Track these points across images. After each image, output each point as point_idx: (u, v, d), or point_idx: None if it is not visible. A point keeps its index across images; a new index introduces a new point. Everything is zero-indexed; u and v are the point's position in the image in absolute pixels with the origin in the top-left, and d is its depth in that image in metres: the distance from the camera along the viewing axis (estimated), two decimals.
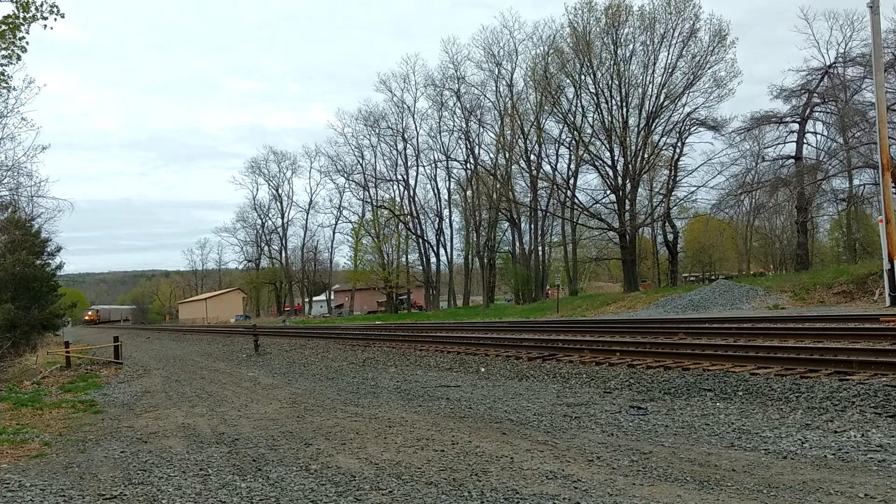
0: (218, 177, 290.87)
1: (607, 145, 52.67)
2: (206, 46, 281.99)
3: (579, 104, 54.15)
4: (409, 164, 75.03)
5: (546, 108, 57.17)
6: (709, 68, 48.40)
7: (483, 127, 66.30)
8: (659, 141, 52.71)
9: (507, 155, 63.32)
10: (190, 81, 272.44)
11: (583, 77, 52.39)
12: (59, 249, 36.16)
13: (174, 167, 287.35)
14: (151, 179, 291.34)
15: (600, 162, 53.82)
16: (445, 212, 74.58)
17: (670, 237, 55.69)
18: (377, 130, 74.76)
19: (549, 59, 55.35)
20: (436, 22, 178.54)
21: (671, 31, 48.65)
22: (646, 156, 52.25)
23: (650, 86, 50.41)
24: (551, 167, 61.52)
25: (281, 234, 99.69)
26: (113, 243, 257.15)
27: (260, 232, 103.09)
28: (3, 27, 12.19)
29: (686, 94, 49.75)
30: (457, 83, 65.39)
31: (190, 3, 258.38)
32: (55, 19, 12.48)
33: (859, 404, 7.48)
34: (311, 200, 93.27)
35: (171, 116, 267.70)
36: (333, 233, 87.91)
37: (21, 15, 12.11)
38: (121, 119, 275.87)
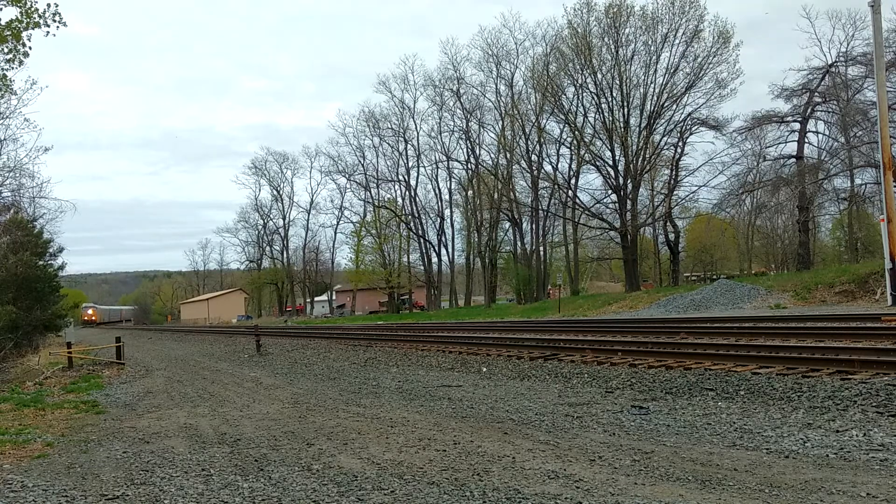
0: (229, 176, 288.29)
1: (608, 145, 52.61)
2: (222, 45, 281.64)
3: (580, 104, 54.13)
4: (409, 164, 75.12)
5: (547, 108, 57.11)
6: (711, 69, 48.39)
7: (483, 127, 66.36)
8: (660, 140, 52.66)
9: (508, 155, 63.30)
10: (205, 80, 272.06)
11: (583, 77, 52.38)
12: (61, 250, 36.30)
13: (186, 167, 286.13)
14: (162, 179, 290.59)
15: (601, 162, 53.79)
16: (447, 212, 74.69)
17: (672, 237, 55.66)
18: (378, 131, 74.85)
19: (550, 58, 55.35)
20: (453, 20, 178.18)
21: (674, 31, 48.60)
22: (647, 155, 52.18)
23: (652, 86, 50.38)
24: (552, 167, 61.56)
25: (282, 234, 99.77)
26: (119, 243, 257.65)
27: (261, 232, 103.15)
28: (7, 32, 12.28)
29: (687, 95, 49.75)
30: (456, 84, 65.43)
31: (210, 0, 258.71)
32: (57, 27, 12.58)
33: (861, 403, 7.47)
34: (312, 201, 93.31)
35: (185, 115, 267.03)
36: (335, 233, 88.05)
37: (24, 21, 12.20)
38: (135, 118, 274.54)
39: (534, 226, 63.83)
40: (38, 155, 29.01)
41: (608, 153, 52.76)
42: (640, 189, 53.83)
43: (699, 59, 48.44)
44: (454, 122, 68.26)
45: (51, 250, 35.03)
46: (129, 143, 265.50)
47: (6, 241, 29.64)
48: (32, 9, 12.44)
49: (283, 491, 5.18)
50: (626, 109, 51.19)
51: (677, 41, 48.61)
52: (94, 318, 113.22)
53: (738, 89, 57.03)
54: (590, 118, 54.44)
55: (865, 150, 42.03)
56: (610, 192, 54.06)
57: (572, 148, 57.37)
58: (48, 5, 12.52)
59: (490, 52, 61.69)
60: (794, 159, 48.40)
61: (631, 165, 51.17)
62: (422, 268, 78.07)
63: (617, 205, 53.12)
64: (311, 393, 11.50)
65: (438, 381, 12.31)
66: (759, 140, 50.88)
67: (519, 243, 65.69)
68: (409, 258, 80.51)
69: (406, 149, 74.69)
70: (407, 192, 75.98)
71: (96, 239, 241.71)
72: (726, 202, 51.12)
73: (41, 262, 32.57)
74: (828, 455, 5.57)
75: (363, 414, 8.77)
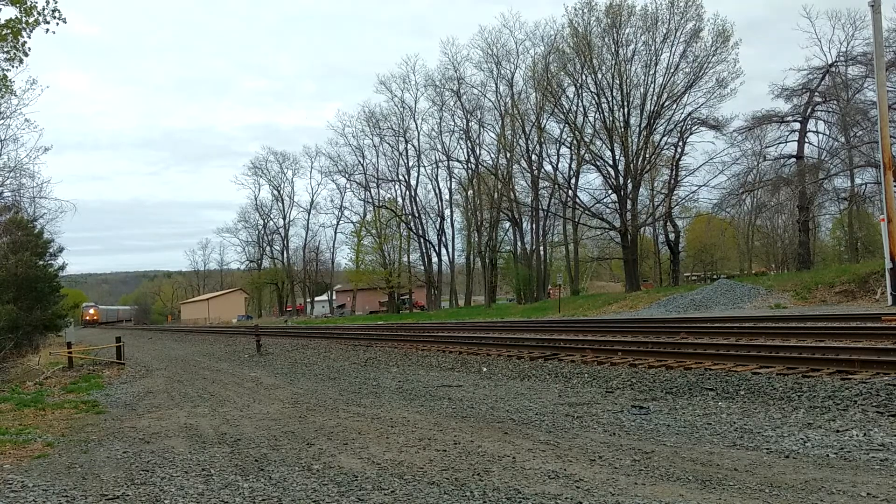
0: (229, 176, 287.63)
1: (608, 145, 52.63)
2: (222, 45, 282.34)
3: (580, 104, 54.14)
4: (410, 164, 75.11)
5: (547, 107, 57.10)
6: (711, 69, 48.42)
7: (483, 127, 66.34)
8: (660, 140, 52.69)
9: (508, 155, 63.30)
10: (205, 80, 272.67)
11: (584, 77, 52.37)
12: (61, 250, 36.25)
13: (186, 167, 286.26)
14: (162, 179, 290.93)
15: (601, 161, 53.81)
16: (447, 212, 74.67)
17: (672, 236, 55.67)
18: (378, 131, 74.82)
19: (550, 58, 55.34)
20: (453, 20, 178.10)
21: (674, 31, 48.62)
22: (647, 155, 52.19)
23: (652, 85, 50.40)
24: (552, 167, 61.56)
25: (282, 234, 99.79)
26: (119, 243, 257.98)
27: (262, 232, 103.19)
28: (6, 31, 12.24)
29: (687, 94, 49.78)
30: (457, 83, 65.39)
31: (210, 0, 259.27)
32: (57, 24, 12.56)
33: (861, 403, 7.47)
34: (312, 200, 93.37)
35: (186, 115, 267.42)
36: (335, 233, 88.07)
37: (24, 19, 12.17)
38: (135, 118, 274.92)
39: (534, 226, 63.84)
40: (38, 155, 29.10)
41: (608, 153, 52.83)
42: (640, 189, 53.87)
43: (699, 59, 48.54)
44: (454, 121, 68.32)
45: (51, 250, 34.98)
46: (129, 143, 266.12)
47: (6, 242, 29.67)
48: (31, 6, 12.42)
49: (284, 491, 5.18)
50: (626, 109, 51.22)
51: (677, 41, 48.71)
52: (95, 317, 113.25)
53: (739, 89, 57.14)
54: (590, 118, 54.53)
55: (865, 149, 42.04)
56: (610, 191, 54.08)
57: (572, 148, 57.41)
58: (47, 2, 12.50)
59: (490, 52, 61.73)
60: (794, 159, 48.41)
61: (631, 165, 51.17)
62: (422, 268, 78.06)
63: (617, 205, 53.14)
64: (311, 393, 11.50)
65: (439, 380, 12.31)
66: (759, 140, 50.96)
67: (519, 243, 65.71)
68: (409, 258, 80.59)
69: (406, 148, 74.77)
70: (407, 192, 76.06)
71: (96, 239, 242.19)
72: (726, 202, 51.15)
73: (41, 262, 32.55)
74: (828, 455, 5.57)
75: (363, 414, 8.77)
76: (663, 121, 51.30)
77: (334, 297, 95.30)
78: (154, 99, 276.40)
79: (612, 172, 52.48)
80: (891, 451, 5.57)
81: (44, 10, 12.40)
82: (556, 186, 60.08)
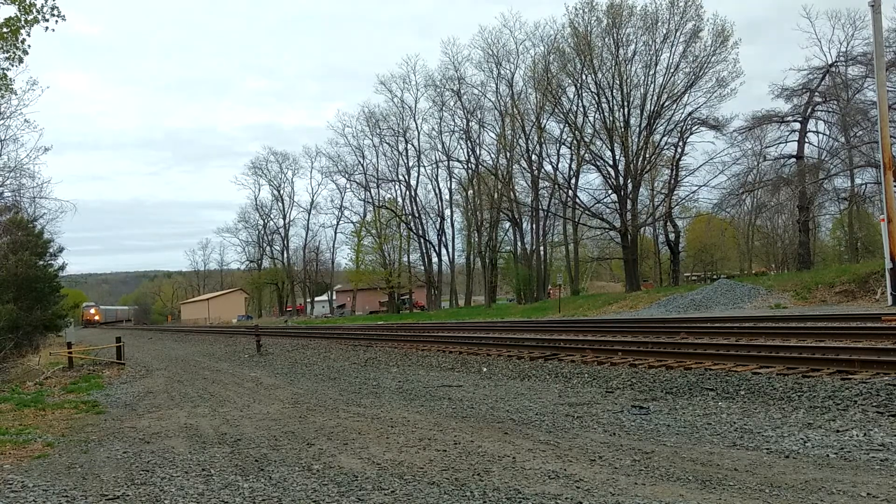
0: (230, 177, 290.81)
1: (608, 145, 52.62)
2: (224, 45, 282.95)
3: (580, 104, 54.14)
4: (410, 164, 75.12)
5: (547, 107, 57.12)
6: (710, 69, 48.44)
7: (483, 127, 66.33)
8: (660, 140, 52.69)
9: (508, 155, 63.30)
10: (206, 80, 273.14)
11: (584, 76, 52.37)
12: (61, 250, 36.22)
13: (187, 167, 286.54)
14: (163, 179, 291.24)
15: (601, 161, 53.81)
16: (447, 212, 74.68)
17: (672, 237, 55.66)
18: (378, 131, 74.83)
19: (550, 58, 55.35)
20: (454, 20, 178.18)
21: (674, 31, 48.64)
22: (647, 155, 52.19)
23: (652, 85, 50.41)
24: (552, 167, 61.56)
25: (283, 234, 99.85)
26: (119, 243, 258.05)
27: (262, 232, 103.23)
28: (5, 29, 12.23)
29: (687, 94, 49.79)
30: (457, 83, 65.39)
31: (211, 0, 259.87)
32: (56, 21, 12.55)
33: (861, 403, 7.47)
34: (312, 201, 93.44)
35: (187, 115, 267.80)
36: (335, 233, 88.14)
37: (23, 17, 12.15)
38: (136, 118, 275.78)
39: (534, 226, 63.83)
40: (38, 155, 29.11)
41: (608, 153, 52.83)
42: (641, 189, 53.88)
43: (699, 59, 48.54)
44: (454, 121, 68.31)
45: (51, 250, 34.94)
46: (130, 143, 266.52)
47: (6, 242, 29.66)
48: (30, 4, 12.42)
49: (284, 491, 5.18)
50: (626, 109, 51.22)
51: (677, 41, 48.72)
52: (96, 317, 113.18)
53: (739, 89, 57.29)
54: (590, 118, 54.53)
55: (865, 149, 42.05)
56: (610, 191, 54.07)
57: (572, 148, 57.40)
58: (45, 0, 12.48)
59: (490, 52, 61.70)
60: (794, 159, 48.41)
61: (631, 165, 51.17)
62: (422, 268, 78.08)
63: (617, 204, 53.13)
64: (311, 393, 11.50)
65: (439, 381, 12.31)
66: (759, 140, 50.98)
67: (519, 243, 65.71)
68: (409, 258, 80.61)
69: (406, 148, 74.79)
70: (407, 192, 76.07)
71: (96, 239, 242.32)
72: (726, 202, 51.15)
73: (41, 262, 32.53)
74: (828, 455, 5.57)
75: (363, 414, 8.77)
76: (663, 121, 51.34)
77: (334, 297, 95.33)
78: (155, 99, 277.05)
79: (612, 172, 52.48)
80: (891, 451, 5.57)
81: (42, 7, 12.39)
82: (556, 186, 60.08)
